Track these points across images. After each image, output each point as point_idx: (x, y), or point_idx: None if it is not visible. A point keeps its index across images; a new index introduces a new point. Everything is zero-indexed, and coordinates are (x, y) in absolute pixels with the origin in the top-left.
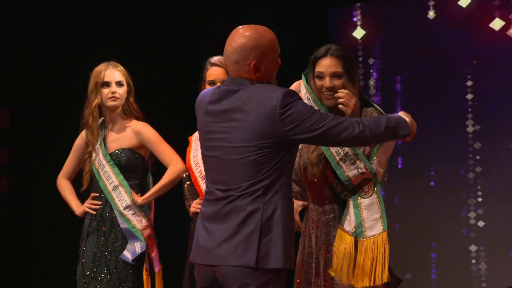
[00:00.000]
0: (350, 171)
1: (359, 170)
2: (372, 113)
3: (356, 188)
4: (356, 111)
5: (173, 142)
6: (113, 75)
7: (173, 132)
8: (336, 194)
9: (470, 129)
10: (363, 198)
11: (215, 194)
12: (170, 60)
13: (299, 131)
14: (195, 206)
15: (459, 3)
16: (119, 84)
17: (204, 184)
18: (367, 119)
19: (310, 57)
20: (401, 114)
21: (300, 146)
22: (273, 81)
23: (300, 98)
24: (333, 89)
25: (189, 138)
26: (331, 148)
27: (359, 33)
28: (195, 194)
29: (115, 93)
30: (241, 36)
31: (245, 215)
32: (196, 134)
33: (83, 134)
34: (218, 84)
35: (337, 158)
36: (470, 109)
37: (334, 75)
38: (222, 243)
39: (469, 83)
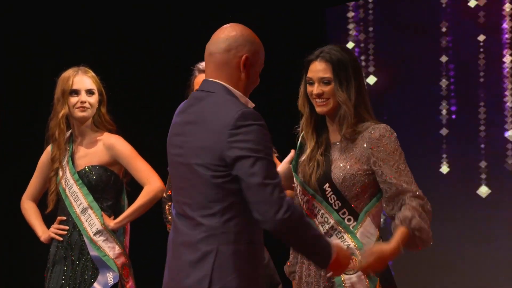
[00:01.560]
0: None
1: (346, 244)
2: (368, 127)
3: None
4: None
5: (150, 158)
6: (82, 82)
7: (151, 146)
8: (334, 212)
9: None
10: (347, 274)
11: (176, 218)
12: (156, 63)
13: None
14: None
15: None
16: (90, 92)
17: None
18: (300, 221)
19: (304, 60)
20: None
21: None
22: (246, 95)
23: (263, 126)
24: (321, 96)
25: None
26: (317, 221)
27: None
28: None
29: (85, 102)
30: (238, 29)
31: (198, 257)
32: None
33: (48, 149)
34: None
35: (322, 231)
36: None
37: (322, 81)
38: (176, 279)
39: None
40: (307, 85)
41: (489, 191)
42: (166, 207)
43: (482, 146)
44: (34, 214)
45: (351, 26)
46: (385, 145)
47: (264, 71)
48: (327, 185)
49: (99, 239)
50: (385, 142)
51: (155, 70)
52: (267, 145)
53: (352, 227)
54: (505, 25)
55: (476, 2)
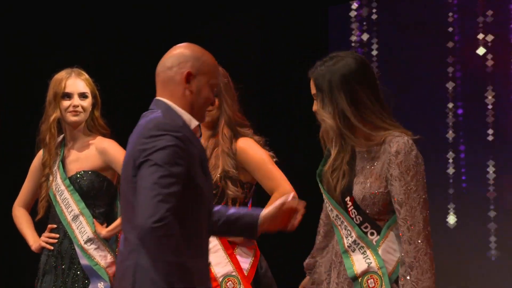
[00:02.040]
0: (359, 264)
1: (368, 261)
2: (387, 137)
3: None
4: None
5: None
6: (75, 85)
7: None
8: (356, 226)
9: None
10: None
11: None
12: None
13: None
14: None
15: None
16: (83, 96)
17: None
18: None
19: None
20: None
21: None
22: (201, 116)
23: (177, 138)
24: (316, 113)
25: None
26: (342, 232)
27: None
28: None
29: (78, 106)
30: (183, 46)
31: (122, 273)
32: None
33: (40, 153)
34: None
35: (346, 245)
36: None
37: (314, 98)
38: None
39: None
40: None
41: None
42: None
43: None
44: (26, 222)
45: (354, 26)
46: (399, 162)
47: (264, 71)
48: (348, 198)
49: (90, 248)
50: (400, 159)
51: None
52: (173, 156)
53: (375, 241)
54: None
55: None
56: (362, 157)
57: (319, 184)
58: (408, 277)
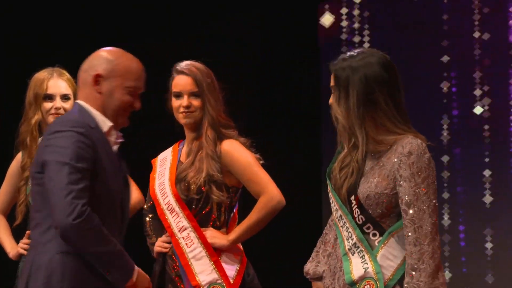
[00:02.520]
0: (356, 269)
1: (365, 266)
2: (401, 139)
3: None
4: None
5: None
6: (58, 87)
7: (131, 154)
8: (358, 225)
9: None
10: None
11: None
12: (157, 64)
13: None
14: (160, 245)
15: None
16: (65, 97)
17: (174, 218)
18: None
19: None
20: None
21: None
22: (117, 118)
23: (80, 134)
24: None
25: (152, 161)
26: (343, 233)
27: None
28: (159, 229)
29: (60, 108)
30: (103, 50)
31: (25, 271)
32: (161, 157)
33: (19, 156)
34: (185, 96)
35: (346, 247)
36: None
37: (333, 90)
38: None
39: None
40: None
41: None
42: (147, 219)
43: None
44: (3, 228)
45: (344, 23)
46: (411, 163)
47: (264, 71)
48: (353, 197)
49: None
50: (412, 160)
51: (155, 71)
52: (77, 152)
53: (378, 242)
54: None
55: None
56: (373, 158)
57: (328, 181)
58: (409, 279)
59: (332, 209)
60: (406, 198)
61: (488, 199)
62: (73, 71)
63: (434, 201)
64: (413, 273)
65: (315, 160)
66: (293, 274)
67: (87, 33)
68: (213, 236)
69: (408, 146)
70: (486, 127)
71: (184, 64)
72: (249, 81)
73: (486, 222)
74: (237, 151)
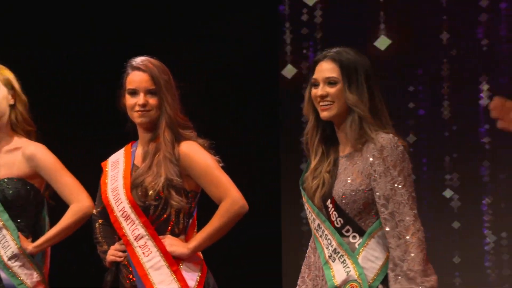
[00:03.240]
0: (339, 275)
1: (347, 270)
2: (376, 136)
3: None
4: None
5: (78, 170)
6: None
7: (79, 157)
8: (336, 229)
9: None
10: None
11: None
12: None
13: None
14: (113, 253)
15: None
16: None
17: (129, 225)
18: None
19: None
20: None
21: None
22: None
23: None
24: (324, 98)
25: (103, 164)
26: (322, 242)
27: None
28: (111, 236)
29: None
30: None
31: None
32: (113, 159)
33: None
34: (141, 94)
35: (326, 256)
36: None
37: (328, 81)
38: None
39: None
40: (312, 87)
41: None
42: (97, 225)
43: None
44: None
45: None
46: (385, 157)
47: (264, 70)
48: (329, 201)
49: (14, 265)
50: (386, 154)
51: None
52: None
53: (358, 245)
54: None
55: None
56: (345, 161)
57: (302, 192)
58: (399, 270)
59: (310, 221)
60: (384, 194)
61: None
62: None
63: (412, 194)
64: (402, 263)
65: (275, 163)
66: (252, 282)
67: (87, 33)
68: (172, 244)
69: (380, 140)
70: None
71: (139, 60)
72: (207, 81)
73: None
74: (196, 153)
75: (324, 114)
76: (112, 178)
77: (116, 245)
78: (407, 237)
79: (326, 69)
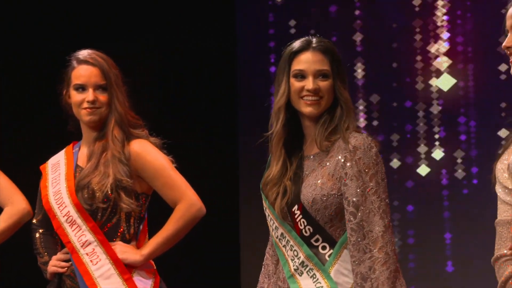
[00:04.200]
0: None
1: (318, 286)
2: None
3: None
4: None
5: (14, 175)
6: None
7: (15, 160)
8: (304, 238)
9: None
10: None
11: None
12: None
13: None
14: (55, 263)
15: None
16: None
17: (74, 231)
18: None
19: (283, 52)
20: None
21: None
22: None
23: None
24: (317, 92)
25: (41, 168)
26: (287, 253)
27: None
28: (52, 246)
29: None
30: None
31: None
32: (53, 161)
33: None
34: (90, 90)
35: (292, 268)
36: None
37: (319, 74)
38: None
39: None
40: (294, 80)
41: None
42: (37, 235)
43: None
44: None
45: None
46: (357, 159)
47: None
48: (295, 207)
49: None
50: (359, 155)
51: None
52: None
53: (329, 256)
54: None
55: None
56: (312, 161)
57: (263, 196)
58: None
59: (271, 228)
60: (354, 199)
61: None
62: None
63: (386, 200)
64: (365, 284)
65: (232, 163)
66: None
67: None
68: (124, 251)
69: (353, 140)
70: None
71: (86, 53)
72: (161, 78)
73: None
74: (148, 152)
75: (310, 110)
76: (54, 181)
77: (59, 255)
78: (374, 251)
79: (315, 60)
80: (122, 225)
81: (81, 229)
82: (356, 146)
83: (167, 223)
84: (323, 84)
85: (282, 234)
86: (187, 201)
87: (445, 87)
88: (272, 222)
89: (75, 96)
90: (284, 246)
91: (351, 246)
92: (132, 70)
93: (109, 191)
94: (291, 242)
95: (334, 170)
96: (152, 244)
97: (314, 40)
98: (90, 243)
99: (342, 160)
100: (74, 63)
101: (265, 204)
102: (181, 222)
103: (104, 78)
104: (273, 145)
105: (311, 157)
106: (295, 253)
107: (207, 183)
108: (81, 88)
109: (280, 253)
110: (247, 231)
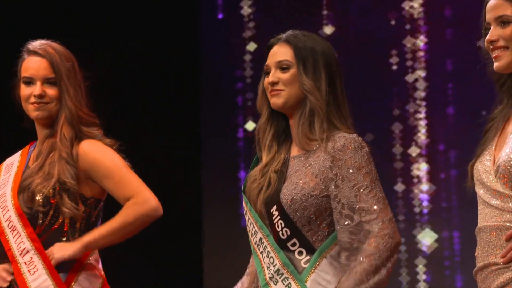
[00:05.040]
0: None
1: None
2: (335, 135)
3: None
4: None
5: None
6: None
7: None
8: (281, 242)
9: None
10: None
11: None
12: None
13: None
14: (1, 275)
15: None
16: None
17: (15, 237)
18: None
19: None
20: None
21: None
22: None
23: None
24: (275, 84)
25: None
26: (263, 260)
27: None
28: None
29: None
30: None
31: None
32: (8, 162)
33: None
34: (38, 83)
35: (267, 276)
36: None
37: (280, 66)
38: None
39: None
40: (265, 77)
41: None
42: None
43: None
44: None
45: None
46: (348, 158)
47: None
48: (274, 208)
49: None
50: (350, 155)
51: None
52: None
53: (304, 263)
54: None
55: None
56: (298, 159)
57: (244, 198)
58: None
59: (250, 233)
60: (349, 202)
61: None
62: None
63: (383, 198)
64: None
65: (194, 166)
66: None
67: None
68: (61, 248)
69: (342, 140)
70: None
71: (38, 44)
72: (119, 73)
73: None
74: (99, 152)
75: (273, 101)
76: (2, 183)
77: (6, 265)
78: (372, 259)
79: (278, 52)
80: (65, 230)
81: (20, 235)
82: (346, 145)
83: (116, 216)
84: (282, 75)
85: (260, 239)
86: (140, 197)
87: None
88: (252, 226)
89: (23, 90)
90: (261, 252)
91: (348, 251)
92: (91, 67)
93: (50, 194)
94: (268, 248)
95: (318, 170)
96: (94, 233)
97: (288, 32)
98: (28, 251)
99: (330, 160)
100: (25, 54)
101: (246, 208)
102: (131, 216)
103: (54, 71)
104: (260, 141)
105: (296, 157)
106: (271, 260)
107: (167, 190)
108: (29, 81)
109: (257, 261)
110: (210, 233)
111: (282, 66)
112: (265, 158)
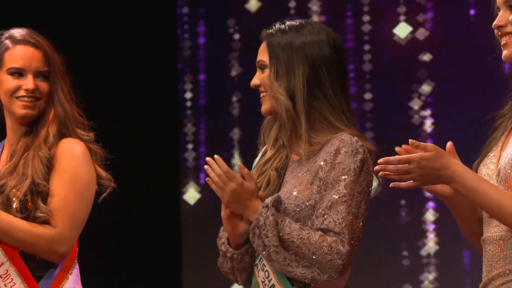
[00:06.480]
0: None
1: None
2: (335, 138)
3: None
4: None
5: None
6: None
7: None
8: None
9: None
10: None
11: None
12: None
13: None
14: None
15: None
16: None
17: None
18: None
19: None
20: None
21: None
22: None
23: None
24: (258, 87)
25: None
26: (257, 271)
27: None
28: None
29: None
30: None
31: None
32: None
33: None
34: (30, 76)
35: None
36: None
37: (259, 66)
38: None
39: None
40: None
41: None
42: None
43: None
44: None
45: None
46: (337, 163)
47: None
48: None
49: None
50: (339, 160)
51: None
52: None
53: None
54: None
55: None
56: (297, 163)
57: None
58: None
59: None
60: (319, 210)
61: None
62: None
63: (353, 217)
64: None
65: (174, 172)
66: None
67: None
68: None
69: (337, 143)
70: None
71: (24, 32)
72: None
73: None
74: (71, 152)
75: (262, 109)
76: None
77: None
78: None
79: (259, 50)
80: None
81: None
82: (338, 149)
83: (26, 222)
84: (261, 77)
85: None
86: (59, 233)
87: None
88: None
89: (9, 82)
90: (256, 265)
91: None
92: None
93: (27, 197)
94: (264, 261)
95: (313, 177)
96: (6, 217)
97: (275, 24)
98: (2, 264)
99: (322, 164)
100: (9, 42)
101: None
102: (35, 235)
103: (47, 64)
104: (264, 135)
105: (296, 162)
106: (267, 274)
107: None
108: (18, 73)
109: (253, 276)
110: (189, 233)
111: (260, 67)
112: (269, 151)
